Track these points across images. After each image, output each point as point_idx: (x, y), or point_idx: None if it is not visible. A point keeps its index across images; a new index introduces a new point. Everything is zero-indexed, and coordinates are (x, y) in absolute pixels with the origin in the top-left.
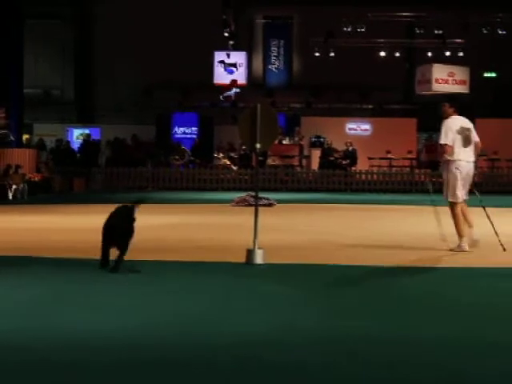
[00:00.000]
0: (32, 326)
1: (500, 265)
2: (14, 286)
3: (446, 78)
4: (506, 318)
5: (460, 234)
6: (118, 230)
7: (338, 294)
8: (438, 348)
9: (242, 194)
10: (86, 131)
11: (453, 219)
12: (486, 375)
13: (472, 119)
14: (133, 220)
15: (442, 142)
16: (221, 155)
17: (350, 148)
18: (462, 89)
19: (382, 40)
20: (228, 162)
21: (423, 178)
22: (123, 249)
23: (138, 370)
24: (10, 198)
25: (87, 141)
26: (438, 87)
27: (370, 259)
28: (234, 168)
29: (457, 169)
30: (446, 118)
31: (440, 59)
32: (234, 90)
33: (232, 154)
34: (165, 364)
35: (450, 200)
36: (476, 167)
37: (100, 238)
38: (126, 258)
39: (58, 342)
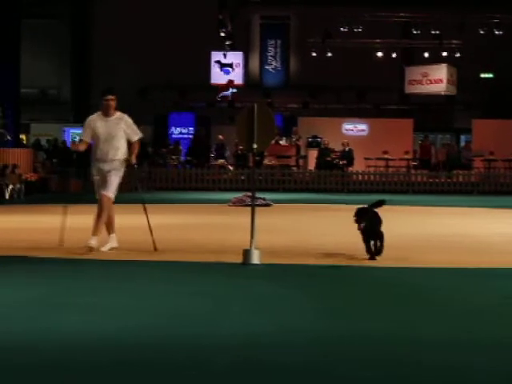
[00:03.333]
0: (23, 328)
1: (497, 265)
2: (6, 286)
3: (452, 79)
4: (506, 317)
5: (113, 230)
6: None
7: (335, 295)
8: (438, 348)
9: (239, 195)
10: None
11: (108, 214)
12: (486, 375)
13: (468, 120)
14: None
15: (138, 137)
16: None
17: (347, 148)
18: (454, 90)
19: (378, 40)
20: (226, 162)
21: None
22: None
23: (133, 371)
24: (7, 197)
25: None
26: (449, 88)
27: (366, 259)
28: (231, 168)
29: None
30: (112, 114)
31: (437, 60)
32: (231, 90)
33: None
34: (162, 365)
35: (112, 196)
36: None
37: None
38: (123, 258)
39: (51, 344)
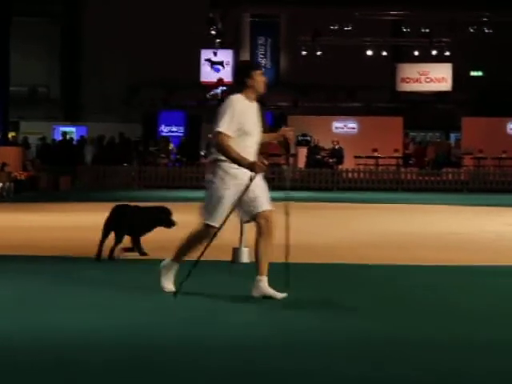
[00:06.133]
0: (16, 326)
1: (490, 263)
2: (2, 285)
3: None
4: (502, 317)
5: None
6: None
7: (328, 294)
8: (437, 348)
9: None
10: (73, 129)
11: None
12: (484, 375)
13: (458, 118)
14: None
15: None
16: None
17: (337, 146)
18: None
19: (368, 39)
20: None
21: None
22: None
23: (125, 371)
24: None
25: (65, 139)
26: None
27: (357, 258)
28: None
29: None
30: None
31: (426, 58)
32: (221, 88)
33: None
34: (155, 366)
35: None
36: None
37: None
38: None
39: (44, 343)
